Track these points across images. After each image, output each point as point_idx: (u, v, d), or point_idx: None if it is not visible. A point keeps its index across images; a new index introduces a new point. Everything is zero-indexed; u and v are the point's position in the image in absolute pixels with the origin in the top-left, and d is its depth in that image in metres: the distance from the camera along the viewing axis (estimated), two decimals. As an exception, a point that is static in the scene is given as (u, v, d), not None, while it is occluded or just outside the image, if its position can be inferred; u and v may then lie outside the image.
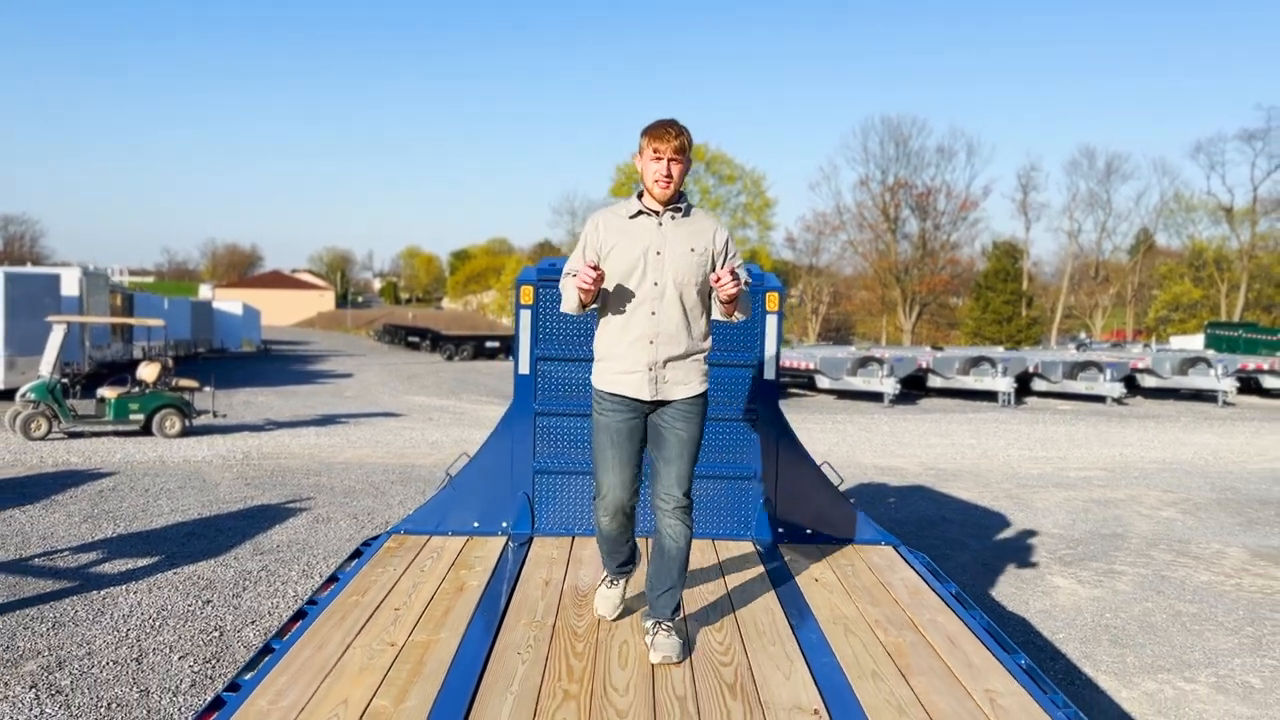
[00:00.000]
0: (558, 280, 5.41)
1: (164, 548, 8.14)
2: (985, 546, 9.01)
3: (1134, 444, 17.43)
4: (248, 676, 3.15)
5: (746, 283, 3.63)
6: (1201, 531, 10.02)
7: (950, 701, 3.06)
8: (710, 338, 3.75)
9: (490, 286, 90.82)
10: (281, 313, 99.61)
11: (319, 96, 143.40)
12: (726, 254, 3.72)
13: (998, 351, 29.26)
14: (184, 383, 15.21)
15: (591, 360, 3.80)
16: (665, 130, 3.55)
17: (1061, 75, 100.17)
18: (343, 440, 14.88)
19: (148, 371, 14.85)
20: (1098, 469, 14.12)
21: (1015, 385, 24.99)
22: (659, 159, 3.54)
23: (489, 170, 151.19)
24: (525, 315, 4.95)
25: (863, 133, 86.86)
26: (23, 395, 14.02)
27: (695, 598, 4.11)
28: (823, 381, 24.42)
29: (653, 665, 3.38)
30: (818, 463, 5.18)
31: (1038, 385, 26.31)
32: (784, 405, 5.47)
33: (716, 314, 3.67)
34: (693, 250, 3.59)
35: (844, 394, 25.94)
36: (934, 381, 25.58)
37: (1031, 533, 9.65)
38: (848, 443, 16.44)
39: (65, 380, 14.58)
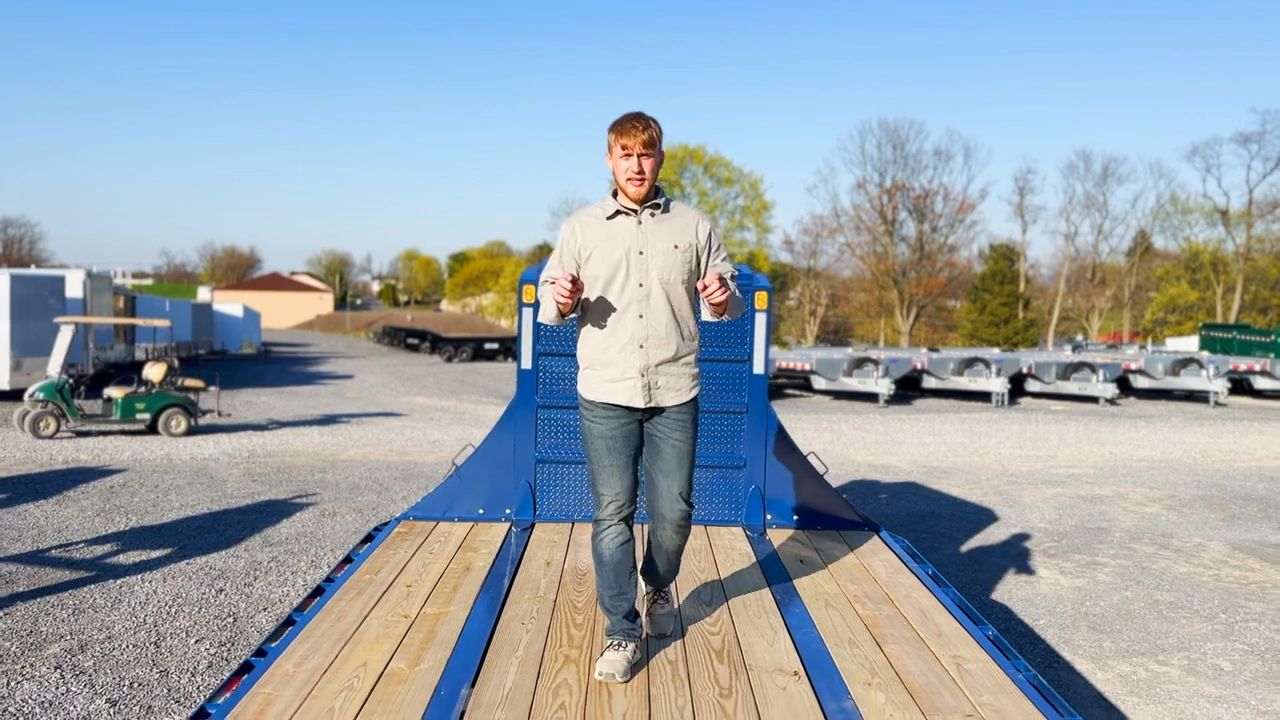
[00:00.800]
0: None
1: (176, 540, 8.40)
2: (972, 540, 9.29)
3: (1124, 443, 17.71)
4: (273, 645, 3.42)
5: (733, 276, 3.60)
6: (1184, 526, 10.29)
7: (919, 665, 3.33)
8: (699, 336, 3.66)
9: (489, 289, 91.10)
10: (280, 315, 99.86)
11: (317, 99, 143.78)
12: (710, 247, 3.59)
13: (992, 353, 29.55)
14: (189, 382, 15.47)
15: None
16: (632, 125, 3.39)
17: (1057, 78, 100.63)
18: (345, 439, 15.15)
19: (154, 371, 15.11)
20: (1087, 467, 14.39)
21: (1009, 386, 25.28)
22: (628, 155, 3.40)
23: (487, 173, 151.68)
24: (527, 313, 5.22)
25: (860, 135, 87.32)
26: (31, 395, 14.28)
27: (688, 578, 4.37)
28: (819, 382, 24.70)
29: (647, 635, 3.59)
30: (804, 453, 5.45)
31: (1031, 386, 26.61)
32: (780, 405, 5.76)
33: (706, 315, 3.55)
34: (676, 247, 3.46)
35: (840, 395, 26.22)
36: (929, 382, 25.87)
37: (1018, 527, 9.93)
38: (842, 441, 16.71)
39: (72, 380, 14.83)
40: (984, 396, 26.01)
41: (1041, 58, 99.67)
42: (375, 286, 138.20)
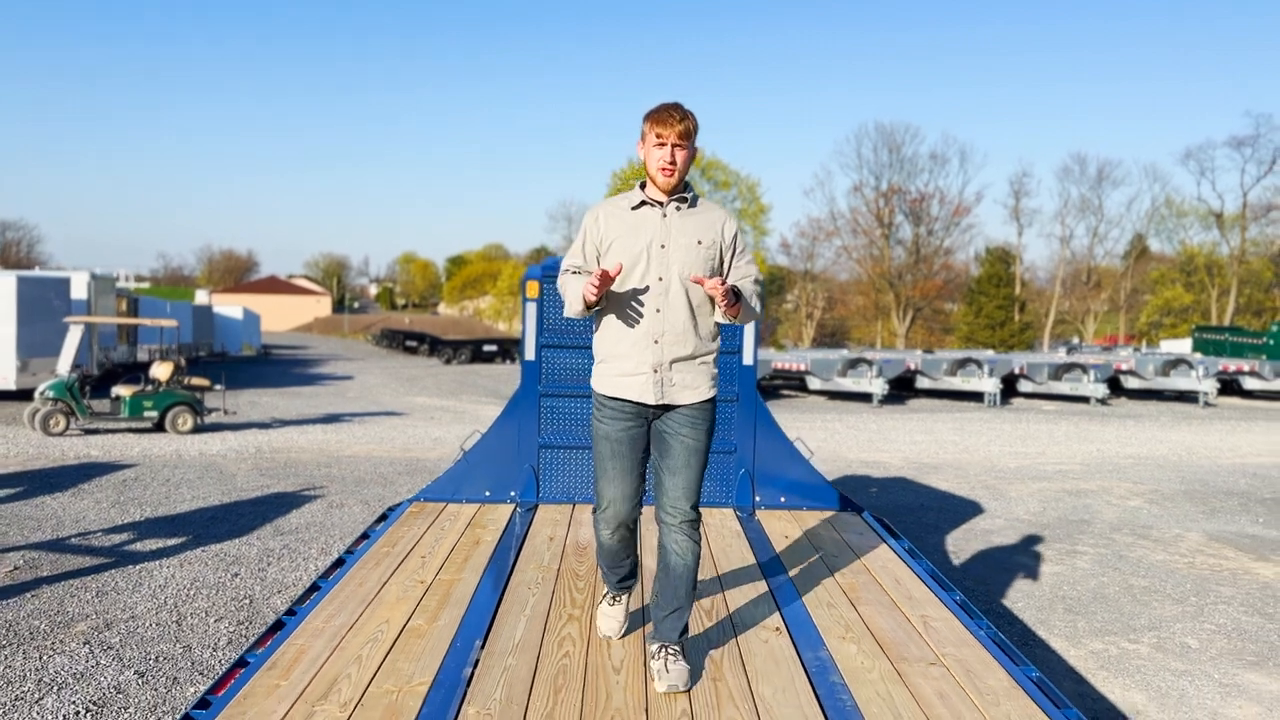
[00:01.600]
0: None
1: (190, 529, 8.73)
2: (957, 530, 9.62)
3: (1112, 441, 18.05)
4: (301, 606, 3.75)
5: (757, 280, 3.52)
6: (1164, 519, 10.63)
7: (890, 623, 3.66)
8: (719, 338, 3.52)
9: (486, 292, 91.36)
10: (279, 318, 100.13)
11: (314, 103, 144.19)
12: (735, 248, 3.50)
13: (985, 354, 29.90)
14: (196, 381, 15.79)
15: (590, 347, 4.17)
16: (669, 114, 3.32)
17: (1052, 82, 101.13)
18: (349, 436, 15.47)
19: (161, 370, 15.43)
20: (1074, 464, 14.73)
21: (1001, 386, 25.63)
22: (662, 144, 3.32)
23: (485, 176, 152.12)
24: (531, 307, 5.56)
25: (856, 139, 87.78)
26: (42, 393, 14.59)
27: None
28: (814, 383, 25.05)
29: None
30: (791, 439, 5.79)
31: (1024, 387, 26.97)
32: (776, 405, 6.12)
33: (719, 316, 3.41)
34: (699, 243, 3.37)
35: (834, 395, 26.57)
36: (922, 383, 26.22)
37: (1002, 518, 10.26)
38: (835, 439, 17.05)
39: (80, 379, 15.14)
40: (977, 397, 26.37)
41: (1036, 61, 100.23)
42: (373, 290, 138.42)
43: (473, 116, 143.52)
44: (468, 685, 3.03)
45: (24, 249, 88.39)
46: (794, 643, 3.44)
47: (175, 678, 5.43)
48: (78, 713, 4.96)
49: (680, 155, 3.34)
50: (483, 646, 3.33)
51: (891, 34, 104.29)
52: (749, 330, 5.65)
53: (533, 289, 5.59)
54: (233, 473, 11.64)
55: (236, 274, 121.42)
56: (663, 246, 3.34)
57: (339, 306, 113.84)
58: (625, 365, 3.37)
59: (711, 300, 3.38)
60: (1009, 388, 27.14)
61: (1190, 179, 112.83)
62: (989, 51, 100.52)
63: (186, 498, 10.08)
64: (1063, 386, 26.28)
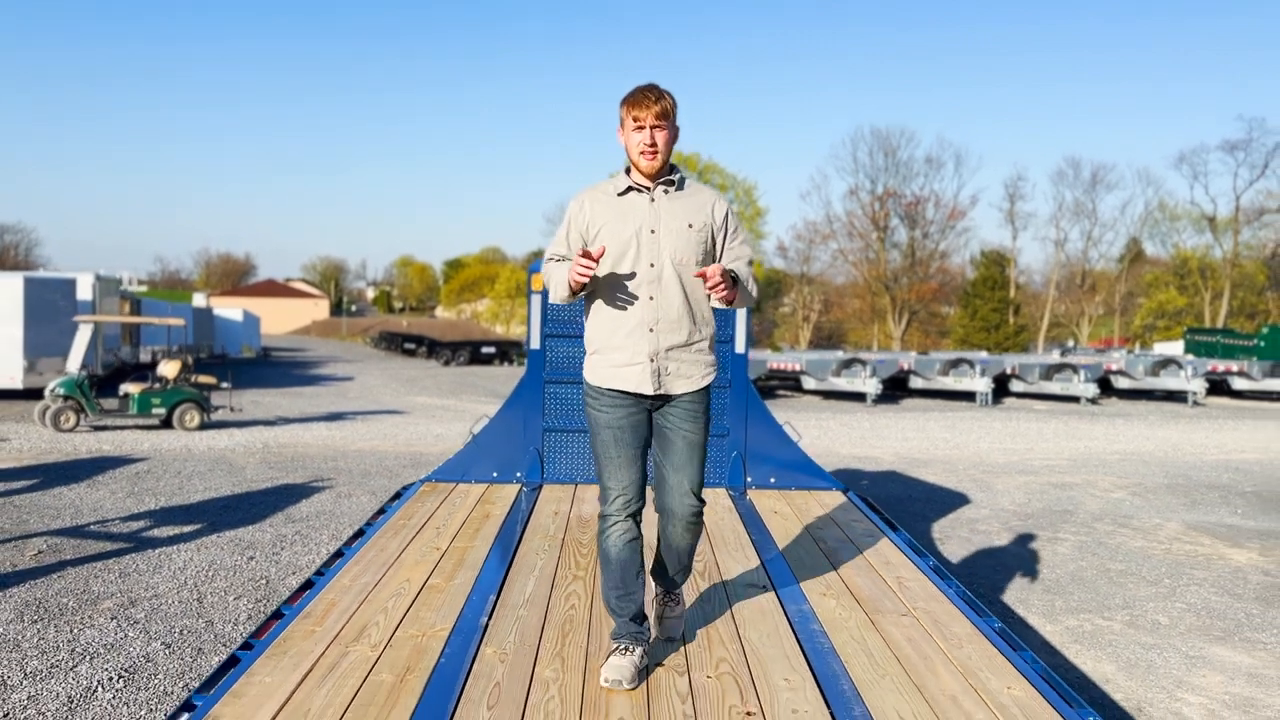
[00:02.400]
0: None
1: (204, 517, 9.06)
2: (944, 518, 9.97)
3: (1100, 438, 18.41)
4: (328, 569, 4.09)
5: (750, 262, 3.45)
6: (1146, 510, 10.98)
7: (867, 582, 4.01)
8: (714, 323, 3.44)
9: (484, 295, 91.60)
10: (277, 321, 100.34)
11: (312, 107, 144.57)
12: (728, 228, 3.40)
13: (979, 355, 30.28)
14: (203, 379, 16.12)
15: None
16: (644, 95, 3.22)
17: (1047, 86, 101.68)
18: (352, 433, 15.81)
19: (169, 369, 15.76)
20: (1061, 459, 15.08)
21: (993, 386, 26.00)
22: (640, 128, 3.22)
23: (482, 180, 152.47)
24: (536, 299, 5.92)
25: (852, 143, 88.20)
26: (52, 390, 14.91)
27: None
28: (809, 382, 25.41)
29: (655, 638, 3.47)
30: (780, 423, 6.15)
31: (1015, 387, 27.34)
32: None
33: (714, 301, 3.32)
34: (690, 226, 3.28)
35: (829, 395, 26.93)
36: (916, 383, 26.59)
37: (988, 508, 10.62)
38: (828, 436, 17.39)
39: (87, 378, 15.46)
40: (969, 396, 26.74)
41: (1030, 65, 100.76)
42: (370, 293, 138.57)
43: (470, 119, 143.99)
44: (484, 631, 3.37)
45: (22, 252, 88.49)
46: (779, 598, 3.78)
47: (200, 649, 5.76)
48: (111, 678, 5.29)
49: (661, 136, 3.24)
50: (496, 600, 3.67)
51: (887, 39, 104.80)
52: (740, 320, 6.00)
53: (538, 282, 5.93)
54: (242, 465, 11.97)
55: (234, 277, 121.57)
56: (653, 231, 3.25)
57: (336, 310, 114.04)
58: (620, 356, 3.27)
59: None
60: (1001, 388, 27.52)
61: (1183, 183, 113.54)
62: (983, 55, 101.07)
63: (199, 488, 10.42)
64: (1054, 386, 26.66)
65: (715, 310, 3.43)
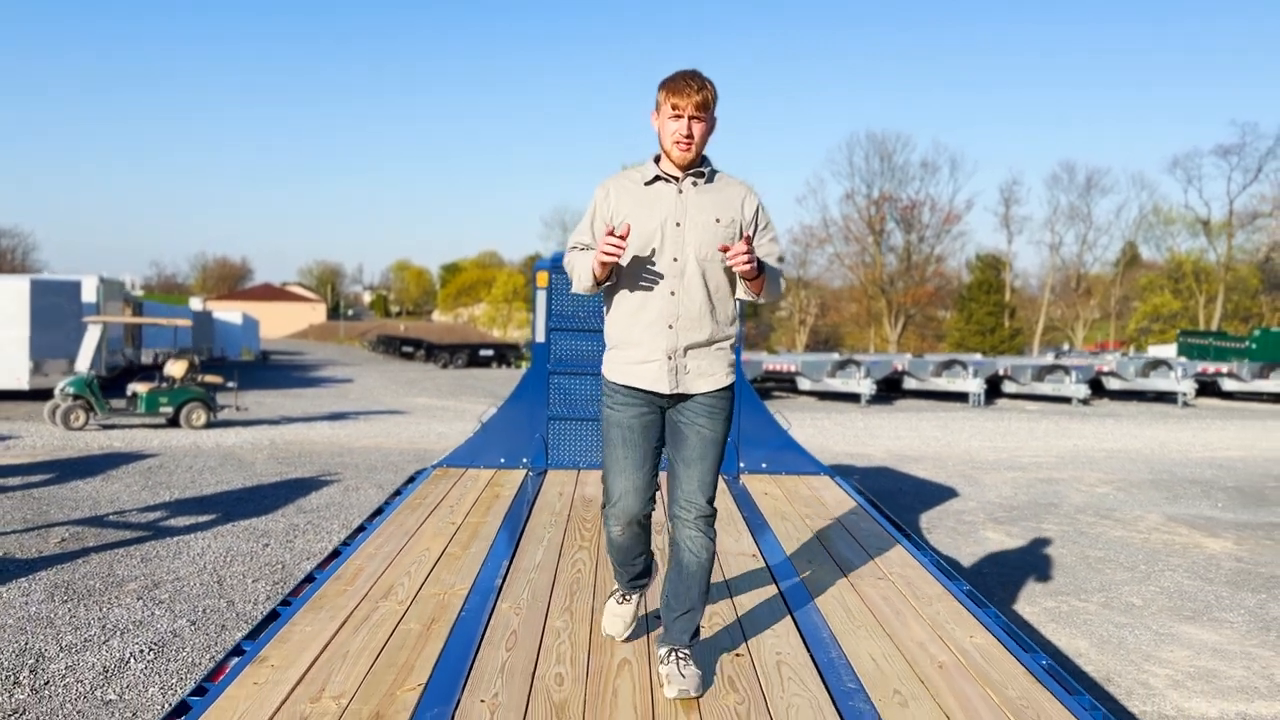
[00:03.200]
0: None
1: (218, 508, 9.39)
2: (931, 510, 10.33)
3: (1089, 437, 18.78)
4: (352, 540, 4.44)
5: (780, 259, 3.32)
6: (1129, 503, 11.34)
7: (847, 551, 4.36)
8: (737, 323, 3.30)
9: (481, 299, 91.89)
10: (274, 325, 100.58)
11: (308, 112, 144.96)
12: (757, 225, 3.25)
13: (972, 357, 30.67)
14: (209, 379, 16.46)
15: (598, 330, 4.73)
16: (686, 83, 3.07)
17: (1041, 90, 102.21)
18: (356, 431, 16.15)
19: (176, 368, 16.09)
20: (1049, 456, 15.45)
21: (985, 387, 26.39)
22: (678, 116, 3.07)
23: (479, 183, 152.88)
24: (541, 295, 6.28)
25: (848, 147, 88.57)
26: (62, 389, 15.24)
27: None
28: (804, 383, 25.78)
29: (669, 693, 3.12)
30: (771, 413, 6.51)
31: (1008, 388, 27.73)
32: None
33: (741, 293, 3.20)
34: (718, 221, 3.14)
35: (824, 395, 27.30)
36: (909, 384, 26.97)
37: (975, 501, 10.97)
38: (822, 435, 17.75)
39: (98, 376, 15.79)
40: (962, 397, 27.12)
41: (1025, 70, 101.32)
42: (367, 297, 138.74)
43: (466, 123, 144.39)
44: (500, 590, 3.72)
45: (20, 256, 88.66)
46: (767, 564, 4.13)
47: (223, 625, 6.10)
48: (141, 650, 5.63)
49: (698, 128, 3.10)
50: (509, 565, 4.02)
51: (883, 44, 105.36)
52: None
53: (543, 279, 6.29)
54: (251, 461, 12.31)
55: (231, 281, 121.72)
56: (678, 225, 3.12)
57: (334, 314, 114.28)
58: (638, 352, 3.15)
59: (730, 279, 3.19)
60: (994, 389, 27.91)
61: (1177, 187, 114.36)
62: (978, 60, 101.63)
63: (211, 482, 10.75)
64: (1045, 387, 27.05)
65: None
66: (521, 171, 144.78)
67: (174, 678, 5.27)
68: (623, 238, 2.97)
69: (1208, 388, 29.56)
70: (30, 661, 5.43)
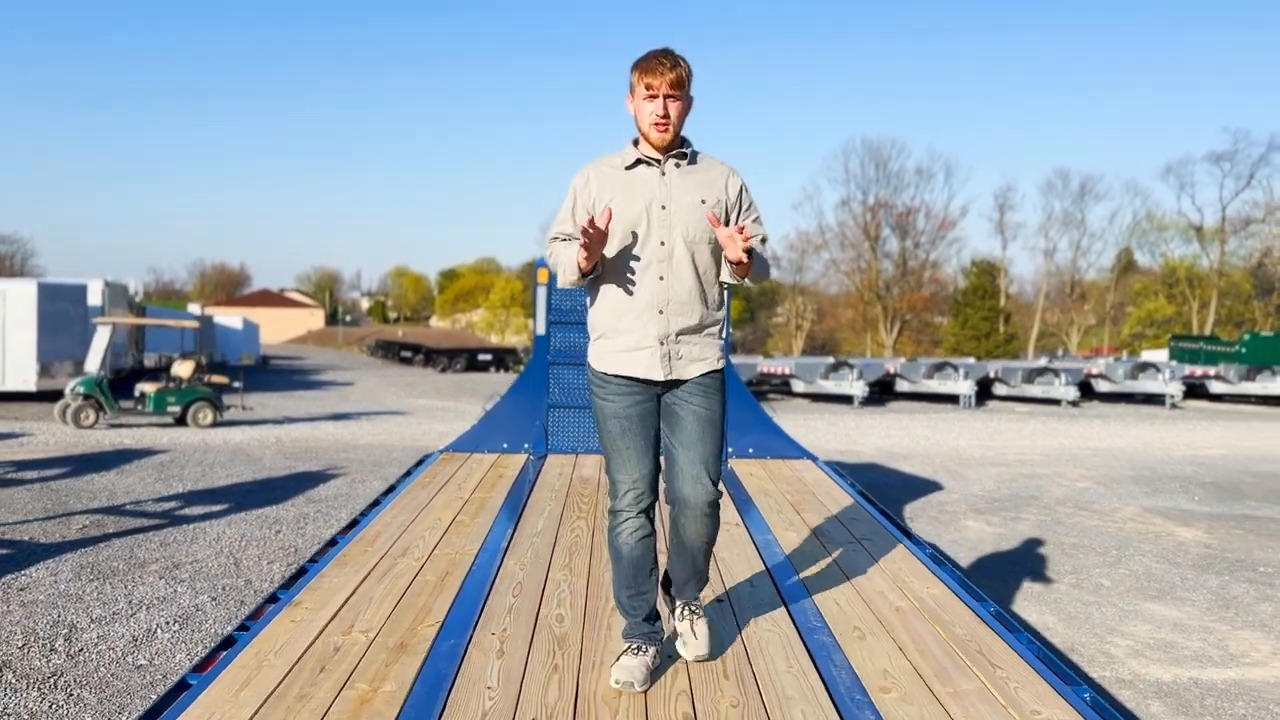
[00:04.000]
0: None
1: (230, 499, 9.79)
2: (915, 501, 10.74)
3: (1075, 436, 19.20)
4: (369, 512, 4.84)
5: (764, 240, 3.24)
6: (1108, 496, 11.74)
7: (822, 521, 4.77)
8: (725, 306, 3.25)
9: (479, 305, 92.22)
10: (273, 330, 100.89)
11: (306, 118, 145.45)
12: (741, 205, 3.19)
13: (964, 360, 31.12)
14: (216, 379, 16.86)
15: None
16: (659, 62, 3.00)
17: (1035, 96, 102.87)
18: (359, 430, 16.54)
19: (183, 368, 16.49)
20: (1035, 454, 15.86)
21: (976, 389, 26.82)
22: (653, 96, 3.00)
23: (477, 190, 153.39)
24: (541, 291, 6.70)
25: (844, 154, 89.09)
26: (72, 389, 15.63)
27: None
28: (798, 385, 26.21)
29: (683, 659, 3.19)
30: (757, 401, 6.92)
31: (999, 390, 28.17)
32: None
33: (726, 275, 3.14)
34: (703, 202, 3.07)
35: (818, 397, 27.72)
36: (901, 386, 27.41)
37: (958, 494, 11.38)
38: (814, 434, 18.15)
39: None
40: (953, 399, 27.54)
41: (1019, 77, 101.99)
42: (365, 303, 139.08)
43: (463, 129, 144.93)
44: (506, 550, 4.12)
45: (19, 262, 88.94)
46: (749, 531, 4.54)
47: (243, 601, 6.49)
48: (168, 622, 6.03)
49: (674, 107, 3.02)
50: (514, 531, 4.43)
51: (876, 51, 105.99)
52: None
53: (543, 275, 6.71)
54: (259, 456, 12.71)
55: (229, 287, 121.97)
56: (663, 207, 3.05)
57: (332, 320, 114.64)
58: (628, 340, 3.07)
59: (717, 262, 3.15)
60: (986, 392, 28.33)
61: (1170, 193, 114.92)
62: (972, 67, 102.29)
63: (222, 475, 11.15)
64: (1035, 389, 27.49)
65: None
66: (519, 178, 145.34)
67: (200, 646, 5.66)
68: (605, 230, 2.92)
69: (1197, 390, 30.01)
70: (64, 631, 5.82)
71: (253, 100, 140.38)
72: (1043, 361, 38.82)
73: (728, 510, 4.92)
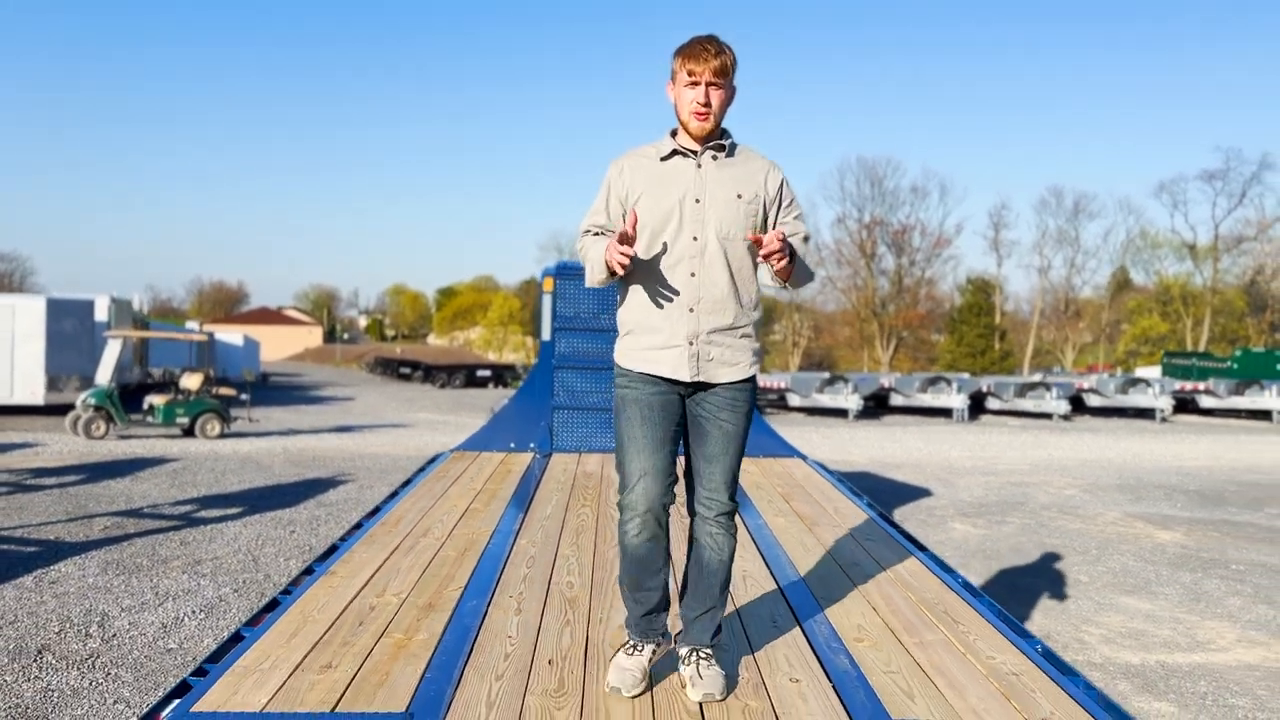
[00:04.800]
0: (572, 276, 7.55)
1: (244, 502, 10.15)
2: (905, 506, 11.11)
3: (1065, 448, 19.58)
4: (390, 500, 5.22)
5: (806, 238, 3.08)
6: (1092, 502, 12.12)
7: (810, 510, 5.15)
8: (760, 307, 3.10)
9: (477, 323, 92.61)
10: (271, 348, 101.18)
11: (303, 137, 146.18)
12: (780, 201, 3.04)
13: (959, 375, 31.54)
14: (224, 391, 17.24)
15: (597, 330, 5.51)
16: (703, 48, 2.89)
17: (1028, 117, 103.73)
18: (363, 441, 16.91)
19: (191, 381, 16.87)
20: (1025, 464, 16.24)
21: (969, 402, 27.23)
22: (695, 83, 2.89)
23: (475, 208, 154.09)
24: (547, 299, 7.10)
25: (839, 172, 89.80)
26: (84, 401, 16.00)
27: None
28: (794, 399, 26.61)
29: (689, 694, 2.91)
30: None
31: (992, 404, 28.57)
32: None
33: (766, 279, 3.01)
34: (739, 196, 2.95)
35: (813, 411, 28.12)
36: (896, 400, 27.81)
37: (946, 500, 11.75)
38: (809, 446, 18.49)
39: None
40: (948, 413, 27.94)
41: (1012, 96, 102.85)
42: (363, 321, 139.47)
43: (462, 147, 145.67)
44: (518, 532, 4.50)
45: (18, 280, 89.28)
46: (741, 516, 4.91)
47: (263, 592, 6.86)
48: (193, 612, 6.39)
49: (716, 96, 2.91)
50: (524, 517, 4.81)
51: (872, 70, 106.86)
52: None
53: (549, 284, 7.12)
54: (269, 464, 13.07)
55: (227, 305, 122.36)
56: (697, 201, 2.93)
57: (330, 337, 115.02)
58: (656, 338, 2.94)
59: (754, 259, 2.99)
60: (979, 406, 28.73)
61: (1163, 211, 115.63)
62: (966, 86, 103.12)
63: (234, 482, 11.51)
64: (1027, 403, 27.90)
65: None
66: (517, 196, 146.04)
67: (225, 632, 6.02)
68: (632, 235, 2.83)
69: (1187, 405, 30.43)
70: (97, 619, 6.19)
71: (250, 119, 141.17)
72: (1036, 377, 39.26)
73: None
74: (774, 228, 3.00)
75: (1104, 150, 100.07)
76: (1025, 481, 13.81)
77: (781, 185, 3.03)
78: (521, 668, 2.89)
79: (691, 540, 3.05)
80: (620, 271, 2.83)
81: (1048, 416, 28.10)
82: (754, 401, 3.07)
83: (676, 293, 2.91)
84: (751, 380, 3.02)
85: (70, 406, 17.17)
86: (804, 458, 7.01)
